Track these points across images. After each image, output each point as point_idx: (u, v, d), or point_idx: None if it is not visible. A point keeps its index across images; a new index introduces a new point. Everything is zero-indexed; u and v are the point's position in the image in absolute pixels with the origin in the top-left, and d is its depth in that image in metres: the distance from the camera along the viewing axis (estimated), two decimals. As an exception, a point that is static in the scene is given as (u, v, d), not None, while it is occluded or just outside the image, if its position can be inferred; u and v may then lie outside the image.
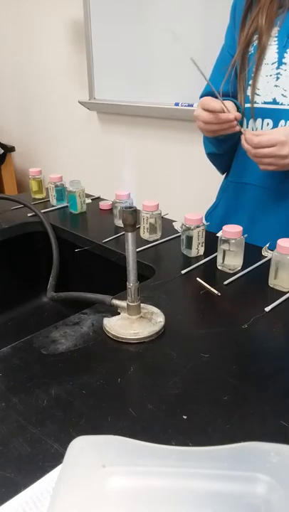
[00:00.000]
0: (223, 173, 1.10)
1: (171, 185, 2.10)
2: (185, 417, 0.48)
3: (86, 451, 0.38)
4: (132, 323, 0.62)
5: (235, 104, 0.92)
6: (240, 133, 0.84)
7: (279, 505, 0.34)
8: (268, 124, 0.90)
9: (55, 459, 0.43)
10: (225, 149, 0.98)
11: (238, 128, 0.84)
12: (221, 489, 0.36)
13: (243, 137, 0.83)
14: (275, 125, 0.89)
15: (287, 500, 0.34)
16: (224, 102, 0.83)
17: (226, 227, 0.77)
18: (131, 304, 0.63)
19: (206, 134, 0.90)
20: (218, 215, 1.04)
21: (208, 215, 1.08)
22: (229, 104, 0.87)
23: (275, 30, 0.87)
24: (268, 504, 0.35)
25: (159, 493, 0.37)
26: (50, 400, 0.50)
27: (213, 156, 1.04)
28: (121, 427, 0.47)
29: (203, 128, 0.87)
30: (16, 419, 0.47)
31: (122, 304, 0.64)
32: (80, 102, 2.30)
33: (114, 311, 0.66)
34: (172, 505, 0.36)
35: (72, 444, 0.39)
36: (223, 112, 0.82)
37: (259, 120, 0.91)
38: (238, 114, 0.83)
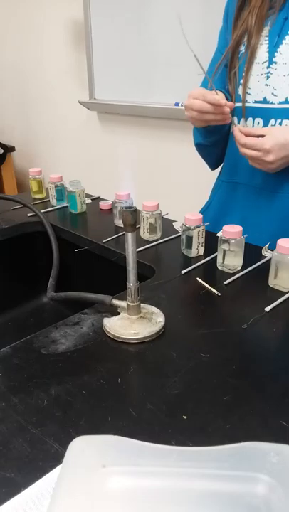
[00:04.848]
0: (212, 169, 1.12)
1: (171, 185, 2.10)
2: (185, 417, 0.48)
3: (86, 451, 0.38)
4: (132, 323, 0.62)
5: (223, 93, 0.93)
6: (230, 125, 0.87)
7: (279, 505, 0.34)
8: (258, 123, 0.91)
9: (55, 459, 0.43)
10: (212, 141, 1.00)
11: (230, 120, 0.87)
12: (221, 489, 0.36)
13: (235, 130, 0.87)
14: (266, 124, 0.90)
15: (287, 500, 0.34)
16: (218, 92, 0.85)
17: (226, 227, 0.77)
18: (131, 304, 0.63)
19: (198, 123, 0.91)
20: (211, 214, 1.05)
21: (202, 214, 1.09)
22: (220, 94, 0.89)
23: (266, 30, 0.87)
24: (268, 504, 0.35)
25: (159, 493, 0.37)
26: (50, 399, 0.50)
27: (200, 147, 1.05)
28: (121, 427, 0.47)
29: (197, 117, 0.87)
30: (16, 419, 0.47)
31: (122, 304, 0.64)
32: (80, 102, 2.30)
33: (114, 311, 0.66)
34: (172, 505, 0.36)
35: (72, 444, 0.39)
36: (221, 104, 0.83)
37: (250, 119, 0.92)
38: (232, 104, 0.85)
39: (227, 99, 0.92)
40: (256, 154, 0.83)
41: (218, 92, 0.88)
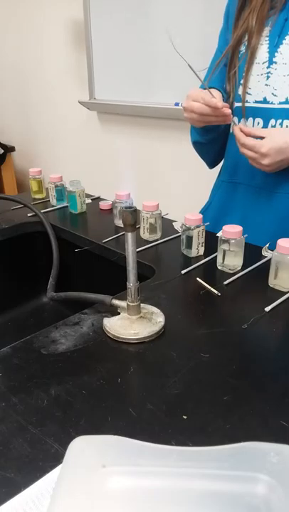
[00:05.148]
0: (210, 167, 1.12)
1: (171, 185, 2.10)
2: (185, 417, 0.48)
3: (86, 451, 0.38)
4: (132, 323, 0.62)
5: (220, 92, 0.94)
6: (230, 125, 0.88)
7: (279, 505, 0.34)
8: (258, 123, 0.91)
9: (55, 459, 0.43)
10: (209, 139, 1.00)
11: (230, 120, 0.87)
12: (221, 489, 0.36)
13: (235, 129, 0.88)
14: (266, 124, 0.90)
15: (287, 501, 0.34)
16: (213, 91, 0.86)
17: (226, 227, 0.77)
18: (131, 304, 0.63)
19: (197, 124, 0.91)
20: (211, 214, 1.05)
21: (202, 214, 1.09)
22: (217, 94, 0.89)
23: (266, 30, 0.88)
24: (268, 504, 0.35)
25: (159, 493, 0.37)
26: (50, 399, 0.50)
27: (198, 145, 1.06)
28: (121, 427, 0.47)
29: (198, 119, 0.87)
30: (16, 419, 0.47)
31: (122, 304, 0.64)
32: (80, 102, 2.30)
33: (114, 311, 0.66)
34: (172, 505, 0.36)
35: (72, 444, 0.39)
36: (218, 107, 0.83)
37: (250, 119, 0.92)
38: (227, 104, 0.86)
39: (224, 97, 0.92)
40: (253, 156, 0.84)
41: (215, 91, 0.88)
